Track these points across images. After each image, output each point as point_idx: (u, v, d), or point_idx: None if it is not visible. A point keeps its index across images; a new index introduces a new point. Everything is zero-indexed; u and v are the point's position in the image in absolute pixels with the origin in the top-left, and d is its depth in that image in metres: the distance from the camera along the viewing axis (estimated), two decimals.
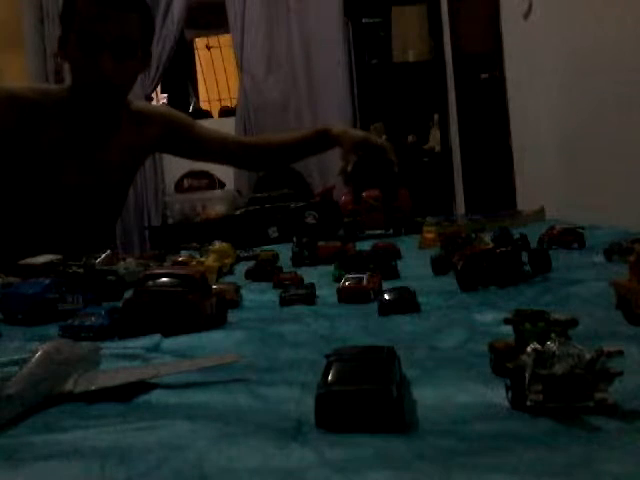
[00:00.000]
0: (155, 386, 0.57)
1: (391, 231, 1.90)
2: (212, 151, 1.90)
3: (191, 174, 4.28)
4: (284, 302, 0.97)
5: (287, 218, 2.14)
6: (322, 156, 4.26)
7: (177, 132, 1.81)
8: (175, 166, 4.32)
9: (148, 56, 1.67)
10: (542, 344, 0.46)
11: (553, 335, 0.47)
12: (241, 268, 1.38)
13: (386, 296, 0.87)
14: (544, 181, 2.33)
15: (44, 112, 1.60)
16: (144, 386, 0.57)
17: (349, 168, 1.75)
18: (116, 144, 1.68)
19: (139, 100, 1.78)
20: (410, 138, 4.00)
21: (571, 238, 1.28)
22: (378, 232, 1.90)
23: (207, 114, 4.81)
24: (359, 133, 1.94)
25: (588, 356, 0.45)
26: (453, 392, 0.52)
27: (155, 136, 1.77)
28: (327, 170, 4.20)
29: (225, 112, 4.75)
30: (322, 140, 1.87)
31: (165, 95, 4.93)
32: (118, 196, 1.81)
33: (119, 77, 1.55)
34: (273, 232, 2.15)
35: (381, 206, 1.87)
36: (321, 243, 1.47)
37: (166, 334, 0.78)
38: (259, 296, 1.08)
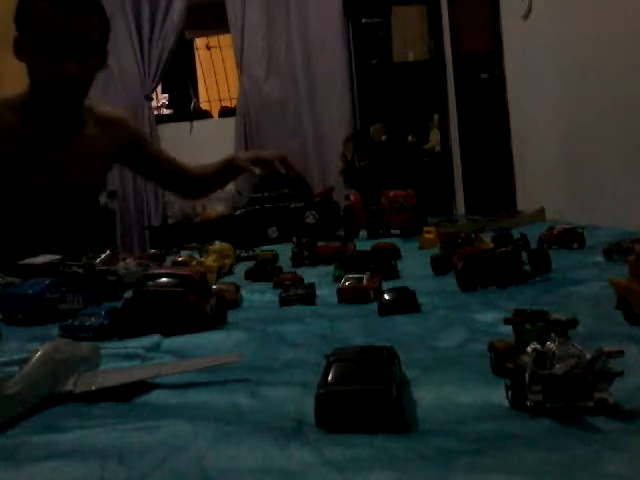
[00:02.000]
0: (155, 386, 0.57)
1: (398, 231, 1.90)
2: (159, 170, 1.94)
3: None
4: (284, 302, 0.97)
5: (287, 218, 2.14)
6: (322, 157, 4.29)
7: (139, 144, 1.86)
8: None
9: (105, 56, 1.71)
10: (542, 344, 0.46)
11: (553, 335, 0.47)
12: (241, 268, 1.38)
13: (386, 296, 0.87)
14: (544, 181, 2.33)
15: (2, 120, 1.64)
16: (144, 386, 0.57)
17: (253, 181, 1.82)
18: (79, 144, 1.71)
19: (100, 104, 1.85)
20: (410, 138, 4.00)
21: (571, 238, 1.28)
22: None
23: (207, 114, 4.80)
24: (249, 153, 2.05)
25: (588, 356, 0.45)
26: (453, 392, 0.52)
27: (120, 144, 1.80)
28: (327, 170, 4.20)
29: (225, 112, 4.74)
30: (230, 169, 1.93)
31: (165, 95, 4.92)
32: (87, 199, 1.81)
33: (81, 78, 1.59)
34: (273, 232, 2.14)
35: (410, 206, 1.87)
36: (321, 243, 1.47)
37: (166, 334, 0.78)
38: (259, 296, 1.08)
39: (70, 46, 1.54)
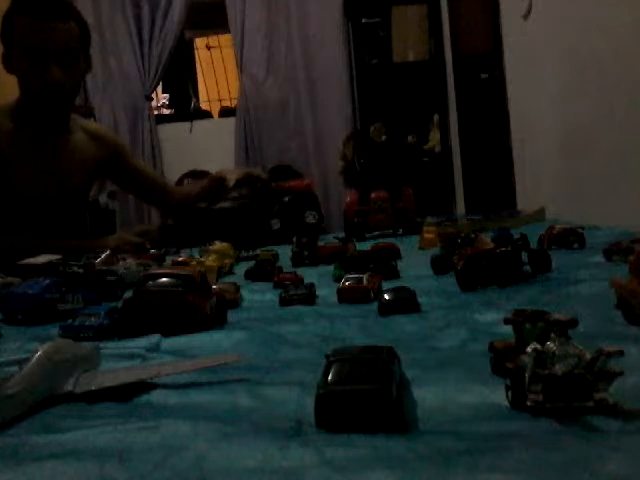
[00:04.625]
0: (155, 386, 0.57)
1: (400, 231, 1.92)
2: (141, 186, 2.04)
3: (191, 174, 4.27)
4: (284, 302, 0.97)
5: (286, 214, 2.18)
6: (322, 156, 4.29)
7: (121, 159, 1.95)
8: (175, 166, 4.31)
9: (89, 61, 1.80)
10: (542, 344, 0.46)
11: (553, 335, 0.47)
12: (241, 268, 1.38)
13: (386, 296, 0.87)
14: (544, 181, 2.33)
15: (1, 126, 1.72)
16: (144, 386, 0.57)
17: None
18: (68, 150, 1.80)
19: (86, 120, 1.96)
20: (410, 138, 4.00)
21: (571, 238, 1.28)
22: (388, 232, 1.92)
23: (207, 114, 4.80)
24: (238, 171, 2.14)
25: (588, 356, 0.45)
26: (453, 392, 0.52)
27: (105, 154, 1.90)
28: (327, 170, 4.20)
29: (225, 112, 4.73)
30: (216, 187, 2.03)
31: (165, 95, 4.92)
32: (78, 200, 1.88)
33: (66, 82, 1.68)
34: (275, 224, 2.14)
35: (389, 207, 1.89)
36: (321, 243, 1.47)
37: (166, 334, 0.78)
38: (259, 296, 1.08)
39: (53, 53, 1.63)
